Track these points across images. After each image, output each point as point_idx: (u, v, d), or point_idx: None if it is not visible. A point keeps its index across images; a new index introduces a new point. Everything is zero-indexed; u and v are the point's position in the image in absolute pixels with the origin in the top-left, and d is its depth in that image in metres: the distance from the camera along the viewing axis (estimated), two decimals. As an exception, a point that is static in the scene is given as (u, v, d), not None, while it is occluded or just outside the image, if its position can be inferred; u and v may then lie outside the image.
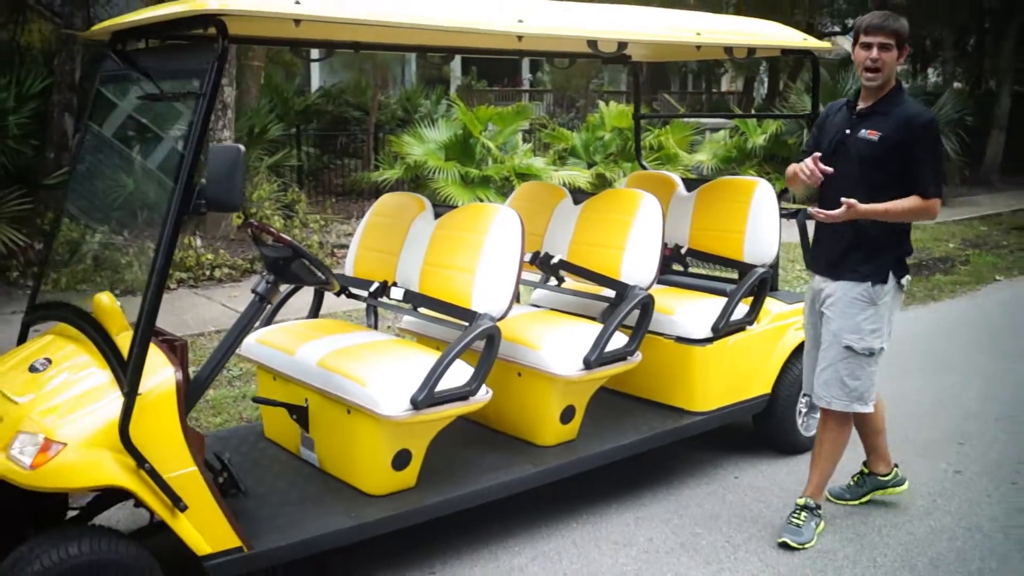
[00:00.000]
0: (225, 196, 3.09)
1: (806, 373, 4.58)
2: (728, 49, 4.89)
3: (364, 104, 17.45)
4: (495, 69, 28.47)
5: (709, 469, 5.14)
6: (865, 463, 4.79)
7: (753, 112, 22.00)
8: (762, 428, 5.32)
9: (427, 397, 3.78)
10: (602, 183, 14.40)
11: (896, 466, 4.79)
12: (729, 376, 4.98)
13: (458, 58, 23.94)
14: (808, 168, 4.04)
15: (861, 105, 4.24)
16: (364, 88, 18.01)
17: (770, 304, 5.22)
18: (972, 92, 20.74)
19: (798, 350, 5.20)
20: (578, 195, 5.24)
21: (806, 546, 4.28)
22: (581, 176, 14.27)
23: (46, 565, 3.03)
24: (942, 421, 6.00)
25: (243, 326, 3.69)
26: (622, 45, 4.30)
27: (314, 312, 4.98)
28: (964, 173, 19.16)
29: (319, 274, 3.84)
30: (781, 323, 5.20)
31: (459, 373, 3.96)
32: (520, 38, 3.96)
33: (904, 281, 4.28)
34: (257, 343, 4.48)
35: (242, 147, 3.12)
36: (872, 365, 4.26)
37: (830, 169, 4.04)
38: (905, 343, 7.83)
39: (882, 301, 4.21)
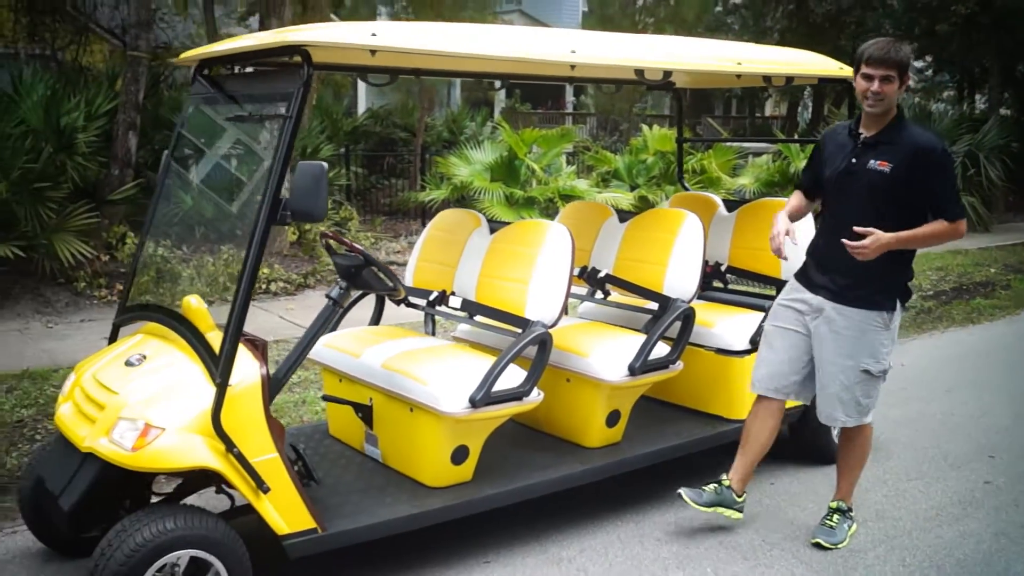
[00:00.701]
0: (310, 208, 3.43)
1: (767, 368, 4.57)
2: (767, 77, 5.18)
3: (411, 125, 17.89)
4: (539, 92, 28.84)
5: (746, 475, 5.39)
6: (727, 475, 4.68)
7: (796, 137, 22.17)
8: (798, 437, 5.57)
9: (484, 396, 4.10)
10: (645, 205, 14.66)
11: (745, 492, 4.70)
12: (766, 386, 5.22)
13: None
14: (778, 241, 4.29)
15: (865, 133, 4.30)
16: (411, 110, 18.47)
17: (806, 319, 5.47)
18: (1019, 119, 20.75)
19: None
20: (623, 213, 5.55)
21: (839, 546, 4.52)
22: (624, 198, 14.56)
23: (146, 537, 3.36)
24: (976, 436, 6.21)
25: (318, 327, 4.04)
26: (667, 73, 4.61)
27: (375, 320, 5.31)
28: (1009, 199, 19.19)
29: (387, 281, 4.17)
30: (817, 337, 5.45)
31: (513, 376, 4.27)
32: (573, 67, 4.28)
33: (906, 304, 4.47)
34: (324, 347, 4.81)
35: (325, 164, 3.46)
36: (882, 383, 4.47)
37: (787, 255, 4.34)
38: (944, 363, 8.08)
39: (893, 325, 4.38)
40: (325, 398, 4.75)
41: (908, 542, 4.63)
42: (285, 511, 3.65)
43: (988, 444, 6.04)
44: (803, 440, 5.56)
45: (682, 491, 4.54)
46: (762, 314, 5.28)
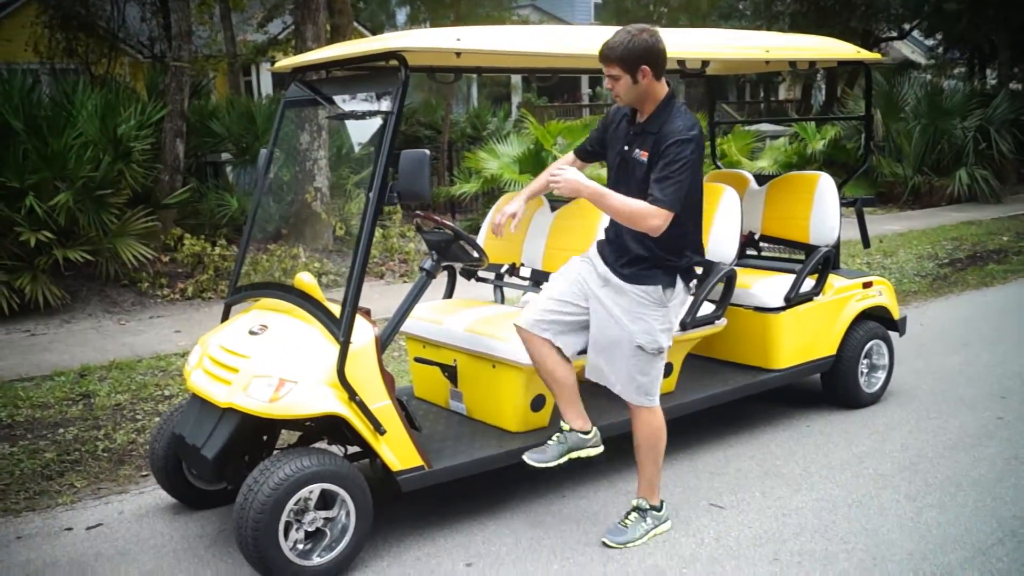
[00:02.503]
0: (416, 189, 4.03)
1: (535, 307, 4.47)
2: (792, 62, 5.77)
3: (435, 123, 18.48)
4: (555, 85, 29.37)
5: (784, 420, 6.01)
6: (564, 422, 4.55)
7: (812, 117, 22.67)
8: (829, 385, 6.18)
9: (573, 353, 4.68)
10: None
11: (593, 425, 4.61)
12: (799, 339, 5.84)
13: (518, 76, 24.96)
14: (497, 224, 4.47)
15: (638, 119, 4.27)
16: (435, 108, 19.08)
17: (834, 279, 6.08)
18: (1029, 92, 21.23)
19: (859, 318, 6.09)
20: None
21: (627, 545, 4.37)
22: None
23: (287, 473, 3.98)
24: (990, 381, 6.80)
25: (414, 296, 4.64)
26: (705, 63, 5.20)
27: (448, 294, 5.92)
28: (1020, 171, 19.68)
29: (473, 252, 4.77)
30: (844, 295, 6.07)
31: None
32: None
33: (692, 285, 4.47)
34: (409, 318, 5.41)
35: (427, 151, 4.05)
36: (660, 362, 4.37)
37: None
38: (960, 322, 8.67)
39: (671, 303, 4.33)
40: (417, 360, 5.34)
41: (930, 467, 5.23)
42: (398, 451, 4.26)
43: (1001, 388, 6.63)
44: (834, 388, 6.17)
45: (526, 458, 4.43)
46: (793, 276, 5.86)
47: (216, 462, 4.31)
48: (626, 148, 4.28)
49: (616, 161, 4.36)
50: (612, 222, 4.39)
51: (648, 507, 4.46)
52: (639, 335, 4.27)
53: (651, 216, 4.03)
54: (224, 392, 4.28)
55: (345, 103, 4.61)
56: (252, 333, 4.52)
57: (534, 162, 14.85)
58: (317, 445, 4.70)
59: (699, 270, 4.61)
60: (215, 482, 4.76)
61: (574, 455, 4.51)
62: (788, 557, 4.24)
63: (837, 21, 19.77)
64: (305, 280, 4.51)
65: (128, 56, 19.73)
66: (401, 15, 23.44)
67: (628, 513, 4.48)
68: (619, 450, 5.07)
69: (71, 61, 17.05)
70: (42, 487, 5.39)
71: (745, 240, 6.35)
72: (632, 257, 4.28)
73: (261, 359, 4.29)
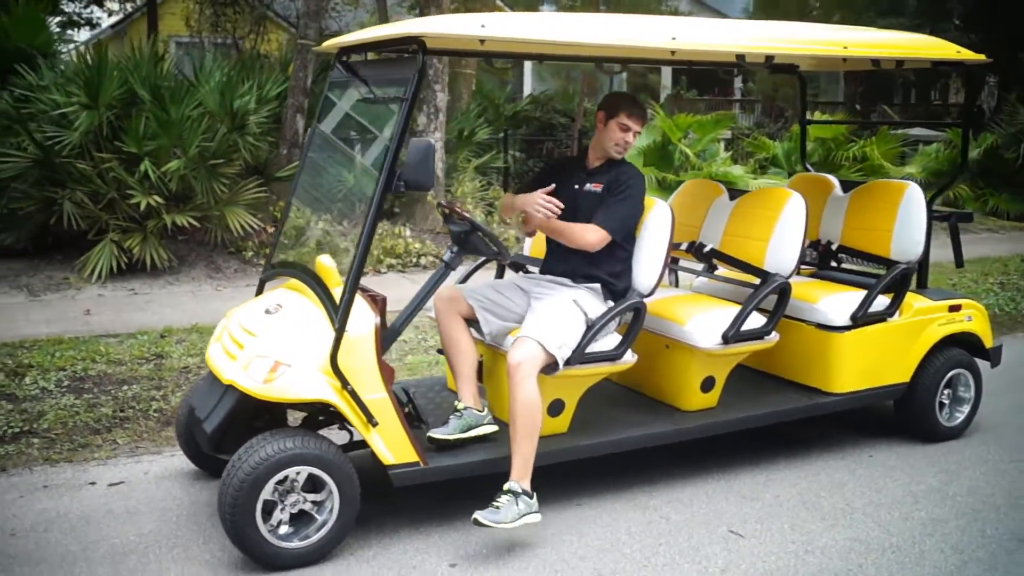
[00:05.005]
0: (420, 178, 3.91)
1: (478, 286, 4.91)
2: (875, 61, 5.31)
3: (570, 111, 18.29)
4: (706, 79, 28.71)
5: (845, 447, 5.57)
6: (459, 402, 4.63)
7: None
8: (902, 414, 5.70)
9: (578, 355, 4.47)
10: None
11: (485, 403, 4.71)
12: (865, 362, 5.39)
13: (667, 68, 24.49)
14: (543, 205, 4.54)
15: (591, 165, 4.92)
16: (571, 95, 18.89)
17: (914, 300, 5.59)
18: None
19: (943, 344, 5.60)
20: (734, 192, 5.80)
21: (500, 525, 4.16)
22: (781, 184, 14.52)
23: (268, 453, 3.92)
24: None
25: (430, 287, 4.50)
26: (769, 58, 4.84)
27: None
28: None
29: (492, 246, 4.59)
30: (923, 317, 5.57)
31: (610, 340, 4.64)
32: (673, 52, 4.58)
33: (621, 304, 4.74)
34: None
35: (432, 141, 3.92)
36: (580, 329, 4.59)
37: (558, 204, 4.57)
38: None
39: (594, 296, 4.74)
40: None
41: (994, 516, 4.72)
42: (392, 445, 4.13)
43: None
44: (907, 418, 5.69)
45: (430, 434, 4.46)
46: (864, 291, 5.42)
47: (213, 436, 4.31)
48: (576, 187, 4.84)
49: (569, 198, 4.73)
50: (552, 254, 4.96)
51: (520, 491, 4.25)
52: (576, 295, 4.66)
53: (595, 238, 4.65)
54: (229, 368, 4.26)
55: (376, 86, 4.51)
56: (267, 312, 4.49)
57: (659, 155, 14.52)
58: (328, 429, 4.62)
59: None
60: (215, 454, 4.75)
61: (473, 433, 4.54)
62: (795, 599, 3.91)
63: (1013, 19, 18.29)
64: (323, 263, 4.42)
65: (283, 31, 20.31)
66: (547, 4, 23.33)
67: (500, 495, 4.23)
68: (644, 463, 4.83)
69: (217, 35, 17.65)
70: (87, 440, 5.56)
71: (823, 251, 5.93)
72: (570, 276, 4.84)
73: (265, 339, 4.25)
